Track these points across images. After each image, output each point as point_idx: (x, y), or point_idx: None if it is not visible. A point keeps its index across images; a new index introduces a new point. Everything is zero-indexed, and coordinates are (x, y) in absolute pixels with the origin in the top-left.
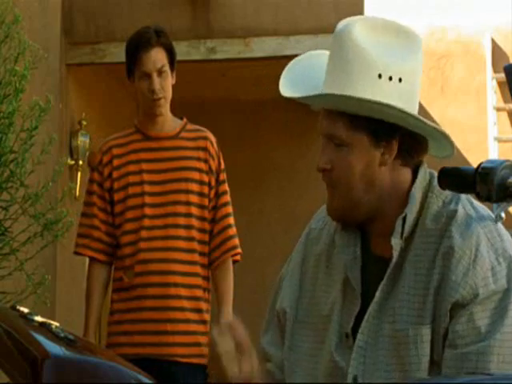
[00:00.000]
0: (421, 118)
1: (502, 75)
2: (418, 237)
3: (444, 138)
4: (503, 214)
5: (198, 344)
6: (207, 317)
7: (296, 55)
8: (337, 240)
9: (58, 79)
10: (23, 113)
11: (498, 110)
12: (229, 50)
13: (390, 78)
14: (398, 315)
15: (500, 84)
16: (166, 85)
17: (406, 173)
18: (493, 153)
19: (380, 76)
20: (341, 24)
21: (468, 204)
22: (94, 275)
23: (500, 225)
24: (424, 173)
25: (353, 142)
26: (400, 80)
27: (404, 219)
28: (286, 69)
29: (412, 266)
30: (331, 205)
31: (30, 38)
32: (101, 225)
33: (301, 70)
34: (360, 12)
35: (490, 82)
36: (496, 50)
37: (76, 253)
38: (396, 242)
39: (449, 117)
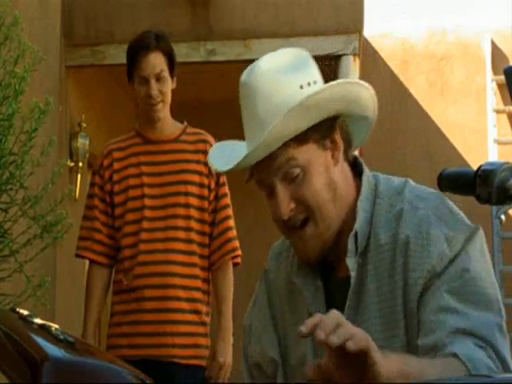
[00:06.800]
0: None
1: (502, 77)
2: (373, 248)
3: (359, 86)
4: (503, 217)
5: (197, 346)
6: (207, 319)
7: None
8: (295, 279)
9: (58, 81)
10: (23, 115)
11: (498, 112)
12: (228, 51)
13: (309, 84)
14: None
15: (500, 86)
16: (164, 90)
17: (349, 171)
18: (492, 155)
19: (301, 87)
20: (244, 73)
21: (412, 195)
22: (94, 278)
23: (448, 201)
24: (367, 181)
25: (306, 159)
26: (315, 82)
27: (356, 236)
28: (211, 151)
29: (373, 279)
30: (308, 245)
31: (30, 40)
32: (102, 227)
33: (226, 145)
34: (359, 14)
35: (490, 84)
36: (496, 52)
37: (77, 255)
38: (351, 261)
39: (448, 119)
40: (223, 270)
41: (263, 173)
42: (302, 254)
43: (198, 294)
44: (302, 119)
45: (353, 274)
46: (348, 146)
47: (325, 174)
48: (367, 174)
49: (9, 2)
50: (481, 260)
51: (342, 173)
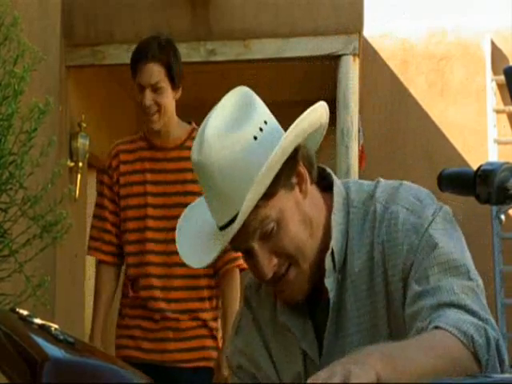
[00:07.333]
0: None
1: (502, 77)
2: (350, 261)
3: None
4: (503, 217)
5: (203, 348)
6: (214, 324)
7: (295, 57)
8: (281, 318)
9: (58, 81)
10: (22, 115)
11: (498, 112)
12: (228, 51)
13: (261, 129)
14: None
15: (500, 86)
16: (160, 101)
17: (316, 192)
18: (492, 155)
19: (255, 138)
20: (193, 151)
21: (383, 195)
22: (102, 277)
23: (414, 188)
24: (339, 192)
25: (278, 210)
26: (266, 122)
27: (332, 253)
28: (177, 240)
29: (351, 292)
30: (295, 288)
31: (30, 40)
32: (112, 228)
33: (190, 229)
34: (359, 15)
35: (490, 84)
36: (495, 52)
37: (89, 255)
38: (330, 282)
39: (449, 119)
40: (230, 276)
41: (240, 242)
42: (289, 299)
43: (201, 304)
44: (268, 178)
45: (331, 294)
46: (311, 166)
47: (297, 212)
48: (337, 183)
49: (9, 2)
50: (444, 233)
51: (311, 200)
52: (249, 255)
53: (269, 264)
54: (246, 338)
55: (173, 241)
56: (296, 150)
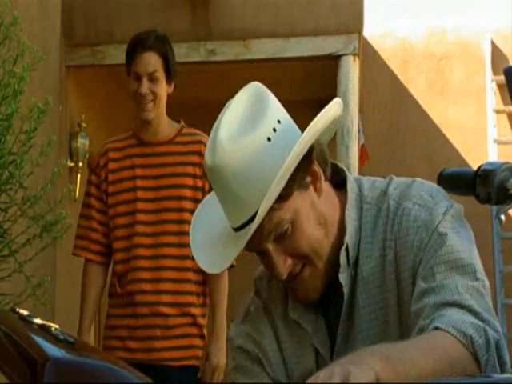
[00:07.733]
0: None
1: (502, 77)
2: (363, 257)
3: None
4: (503, 217)
5: (191, 347)
6: (202, 321)
7: (295, 57)
8: (292, 314)
9: (58, 81)
10: (22, 115)
11: (498, 112)
12: (228, 51)
13: (275, 130)
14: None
15: (500, 86)
16: (156, 90)
17: (330, 189)
18: (492, 155)
19: (269, 139)
20: (207, 154)
21: (396, 192)
22: (90, 277)
23: (427, 184)
24: (351, 188)
25: (293, 212)
26: (279, 121)
27: (347, 249)
28: (192, 246)
29: (363, 289)
30: (310, 287)
31: (30, 40)
32: (99, 227)
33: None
34: (359, 14)
35: (490, 84)
36: (495, 52)
37: (74, 254)
38: (344, 277)
39: (448, 119)
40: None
41: (255, 244)
42: (303, 297)
43: (191, 298)
44: (283, 180)
45: (345, 290)
46: (325, 164)
47: (312, 212)
48: (350, 179)
49: (8, 2)
50: (453, 231)
51: (325, 198)
52: (263, 255)
53: (284, 264)
54: (256, 325)
55: (162, 233)
56: (311, 149)
